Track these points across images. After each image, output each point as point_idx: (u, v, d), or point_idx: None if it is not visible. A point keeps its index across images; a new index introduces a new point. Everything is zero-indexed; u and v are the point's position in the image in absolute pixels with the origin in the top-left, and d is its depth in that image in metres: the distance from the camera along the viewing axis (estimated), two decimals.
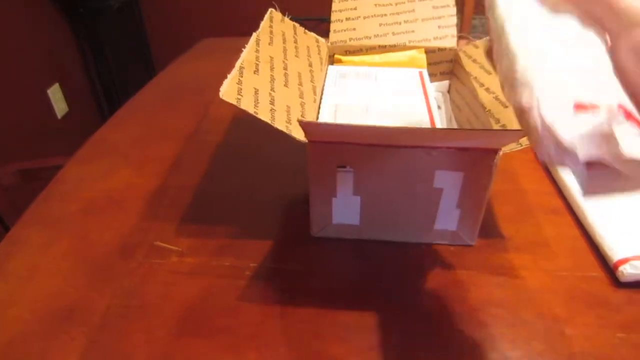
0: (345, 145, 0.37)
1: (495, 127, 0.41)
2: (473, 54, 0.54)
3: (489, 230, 0.45)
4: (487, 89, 0.46)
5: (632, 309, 0.37)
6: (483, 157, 0.36)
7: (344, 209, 0.42)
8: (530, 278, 0.39)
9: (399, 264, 0.42)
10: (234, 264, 0.43)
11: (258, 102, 0.38)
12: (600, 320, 0.36)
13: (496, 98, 0.43)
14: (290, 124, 0.39)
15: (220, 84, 0.38)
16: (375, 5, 0.60)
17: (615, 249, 0.39)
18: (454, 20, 0.58)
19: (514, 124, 0.38)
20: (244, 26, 0.49)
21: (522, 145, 0.37)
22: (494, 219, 0.46)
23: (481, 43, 0.54)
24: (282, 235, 0.46)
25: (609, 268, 0.40)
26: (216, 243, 0.45)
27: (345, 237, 0.44)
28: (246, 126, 0.63)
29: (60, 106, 1.68)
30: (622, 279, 0.38)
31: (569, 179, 0.48)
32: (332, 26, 0.59)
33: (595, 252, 0.41)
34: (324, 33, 0.60)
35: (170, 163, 0.57)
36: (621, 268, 0.38)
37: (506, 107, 0.41)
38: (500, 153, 0.36)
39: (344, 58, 0.58)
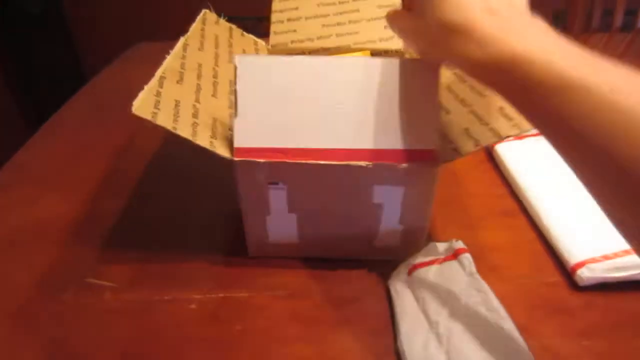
0: (276, 162, 0.35)
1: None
2: None
3: (439, 237, 0.43)
4: None
5: (593, 315, 0.36)
6: (422, 170, 0.35)
7: (280, 227, 0.39)
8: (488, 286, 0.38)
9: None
10: (176, 297, 0.39)
11: (178, 116, 0.35)
12: (562, 328, 0.35)
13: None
14: (216, 138, 0.35)
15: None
16: (318, 5, 0.56)
17: (571, 252, 0.39)
18: None
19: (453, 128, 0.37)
20: (180, 28, 0.45)
21: (462, 155, 0.35)
22: (444, 224, 0.45)
23: None
24: (224, 256, 0.42)
25: (566, 272, 0.39)
26: (155, 274, 0.41)
27: (284, 255, 0.41)
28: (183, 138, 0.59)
29: None
30: (581, 283, 0.37)
31: (522, 179, 0.47)
32: (273, 27, 0.55)
33: (552, 256, 0.41)
34: (265, 32, 0.57)
35: (99, 185, 0.51)
36: (579, 272, 0.37)
37: (449, 113, 0.39)
38: (439, 166, 0.35)
39: None
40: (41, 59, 1.70)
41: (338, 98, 0.35)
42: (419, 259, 0.37)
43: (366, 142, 0.34)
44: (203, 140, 0.34)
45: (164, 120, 0.33)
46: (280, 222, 0.39)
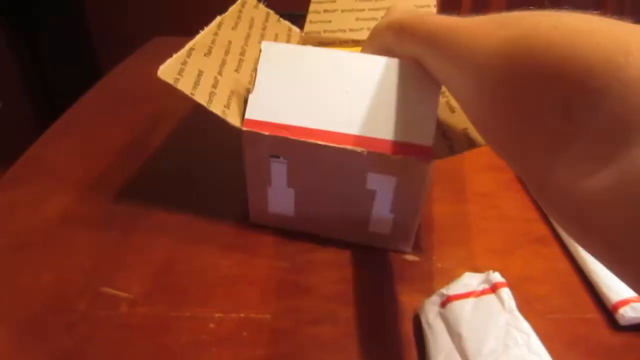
0: (280, 137, 0.37)
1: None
2: None
3: (471, 262, 0.41)
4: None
5: (635, 358, 0.34)
6: (414, 163, 0.36)
7: (279, 199, 0.42)
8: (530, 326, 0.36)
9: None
10: (195, 315, 0.37)
11: (198, 84, 0.37)
12: None
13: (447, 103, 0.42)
14: (229, 108, 0.38)
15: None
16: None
17: (613, 289, 0.37)
18: None
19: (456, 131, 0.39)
20: (199, 23, 0.44)
21: (455, 153, 0.36)
22: (481, 250, 0.43)
23: None
24: (248, 275, 0.40)
25: (605, 309, 0.37)
26: (174, 287, 0.39)
27: (281, 226, 0.44)
28: (204, 139, 0.57)
29: None
30: (623, 322, 0.35)
31: None
32: (309, 17, 0.56)
33: (590, 290, 0.39)
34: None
35: (116, 186, 0.49)
36: (621, 311, 0.35)
37: (453, 112, 0.40)
38: (431, 162, 0.36)
39: None
40: (57, 52, 1.68)
41: (345, 87, 0.38)
42: (453, 290, 0.35)
43: (365, 130, 0.37)
44: (217, 108, 0.37)
45: (184, 85, 0.36)
46: (279, 195, 0.42)
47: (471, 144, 0.37)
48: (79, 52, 1.78)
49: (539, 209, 0.47)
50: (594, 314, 0.37)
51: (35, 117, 1.68)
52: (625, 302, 0.35)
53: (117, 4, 1.78)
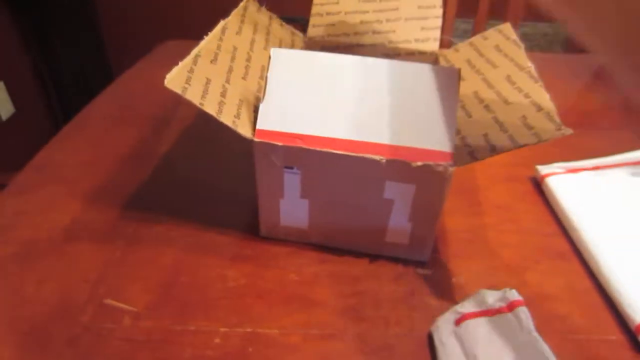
0: (293, 147, 0.36)
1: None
2: (452, 59, 0.49)
3: (488, 279, 0.40)
4: None
5: None
6: (434, 170, 0.35)
7: (292, 211, 0.41)
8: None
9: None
10: (200, 329, 0.36)
11: (207, 93, 0.36)
12: None
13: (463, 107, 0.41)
14: (239, 118, 0.37)
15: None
16: (359, 0, 0.55)
17: (636, 309, 0.35)
18: (438, 22, 0.54)
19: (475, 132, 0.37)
20: (209, 26, 0.43)
21: (477, 159, 0.35)
22: (497, 264, 0.42)
23: (462, 47, 0.50)
24: (255, 288, 0.39)
25: (628, 329, 0.35)
26: (179, 299, 0.38)
27: (293, 239, 0.43)
28: (214, 146, 0.56)
29: (5, 107, 1.54)
30: None
31: (576, 217, 0.44)
32: (312, 20, 0.55)
33: (612, 310, 0.37)
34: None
35: (123, 193, 0.49)
36: None
37: (470, 117, 0.39)
38: (453, 168, 0.35)
39: None
40: (70, 57, 1.69)
41: (360, 94, 0.37)
42: (468, 307, 0.33)
43: (383, 137, 0.36)
44: (227, 118, 0.36)
45: (192, 95, 0.35)
46: (292, 207, 0.40)
47: (492, 150, 0.35)
48: (93, 57, 1.80)
49: (558, 222, 0.45)
50: (617, 335, 0.35)
51: (49, 123, 1.70)
52: None
53: (129, 10, 1.79)
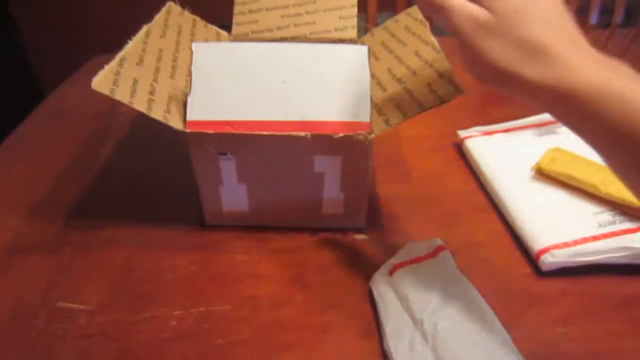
0: (224, 133, 0.38)
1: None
2: (369, 43, 0.53)
3: (418, 236, 0.44)
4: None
5: (567, 302, 0.37)
6: (355, 139, 0.38)
7: (232, 197, 0.43)
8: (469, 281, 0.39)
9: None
10: (155, 315, 0.37)
11: (135, 92, 0.38)
12: (539, 317, 0.36)
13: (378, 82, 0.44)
14: (169, 113, 0.39)
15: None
16: None
17: (535, 239, 0.40)
18: (354, 11, 0.58)
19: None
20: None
21: (391, 126, 0.38)
22: (422, 224, 0.46)
23: (377, 31, 0.54)
24: (206, 272, 0.41)
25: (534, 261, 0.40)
26: (132, 293, 0.39)
27: (237, 224, 0.45)
28: (152, 150, 0.57)
29: None
30: (544, 269, 0.39)
31: (489, 174, 0.48)
32: (235, 18, 0.57)
33: (522, 248, 0.42)
34: None
35: (66, 205, 0.49)
36: (542, 258, 0.39)
37: (385, 90, 0.42)
38: (372, 136, 0.38)
39: None
40: None
41: (281, 77, 0.40)
42: (400, 258, 0.37)
43: (307, 115, 0.39)
44: (157, 114, 0.37)
45: (121, 95, 0.36)
46: (232, 192, 0.42)
47: (405, 115, 0.39)
48: (19, 77, 1.73)
49: (477, 180, 0.50)
50: (529, 268, 0.40)
51: None
52: (545, 250, 0.39)
53: (53, 29, 1.74)
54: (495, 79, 0.28)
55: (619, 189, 0.41)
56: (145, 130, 0.60)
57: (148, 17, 0.48)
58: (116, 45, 0.42)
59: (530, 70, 0.26)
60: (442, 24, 0.30)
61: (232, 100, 0.39)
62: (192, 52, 0.40)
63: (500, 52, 0.27)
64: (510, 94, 0.29)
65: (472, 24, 0.28)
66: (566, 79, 0.26)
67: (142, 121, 0.60)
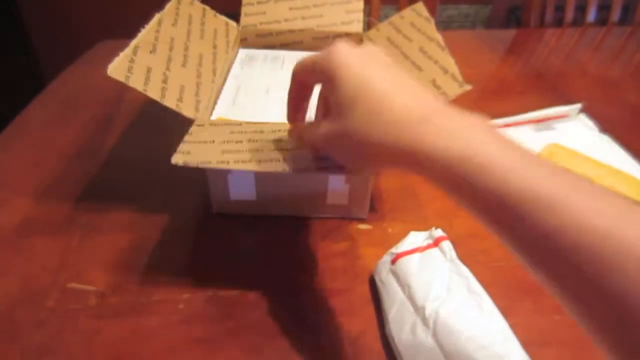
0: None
1: None
2: (375, 37, 0.55)
3: (419, 227, 0.45)
4: None
5: None
6: None
7: (240, 186, 0.44)
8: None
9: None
10: (164, 298, 0.38)
11: (149, 80, 0.39)
12: (536, 305, 0.38)
13: None
14: (182, 102, 0.40)
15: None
16: None
17: None
18: (360, 5, 0.60)
19: None
20: (143, 25, 0.45)
21: None
22: (427, 214, 0.47)
23: (383, 26, 0.55)
24: (214, 258, 0.42)
25: None
26: (141, 276, 0.40)
27: (244, 213, 0.46)
28: (159, 136, 0.58)
29: None
30: None
31: None
32: (243, 10, 0.59)
33: None
34: None
35: (73, 189, 0.50)
36: None
37: None
38: None
39: None
40: None
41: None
42: (402, 248, 0.38)
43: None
44: (170, 102, 0.39)
45: (135, 82, 0.37)
46: (240, 181, 0.44)
47: None
48: (22, 61, 1.72)
49: None
50: None
51: None
52: None
53: (59, 13, 1.73)
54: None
55: (614, 184, 0.43)
56: (153, 117, 0.60)
57: (151, 2, 0.48)
58: (120, 30, 0.43)
59: (384, 136, 0.26)
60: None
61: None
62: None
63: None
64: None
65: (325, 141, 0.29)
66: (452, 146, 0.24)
67: (150, 107, 0.60)
